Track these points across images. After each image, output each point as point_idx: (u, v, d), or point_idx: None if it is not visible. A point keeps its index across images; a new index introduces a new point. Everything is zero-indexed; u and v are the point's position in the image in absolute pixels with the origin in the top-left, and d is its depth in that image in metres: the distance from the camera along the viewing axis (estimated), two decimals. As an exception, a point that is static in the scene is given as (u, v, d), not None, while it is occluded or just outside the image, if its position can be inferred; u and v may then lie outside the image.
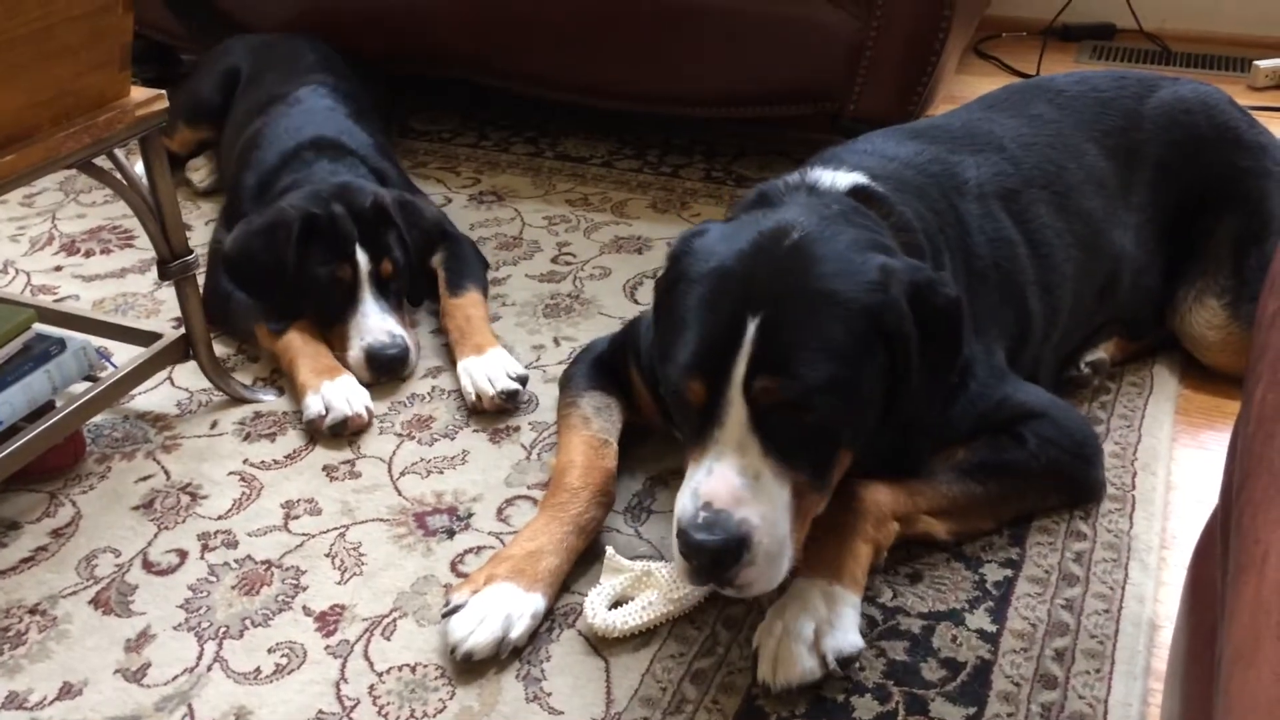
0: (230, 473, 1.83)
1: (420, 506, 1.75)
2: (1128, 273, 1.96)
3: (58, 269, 2.49)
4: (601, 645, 1.49)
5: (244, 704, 1.41)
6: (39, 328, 1.79)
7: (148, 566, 1.64)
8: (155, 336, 1.94)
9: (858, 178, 1.63)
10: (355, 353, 2.04)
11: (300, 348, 2.03)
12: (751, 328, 1.35)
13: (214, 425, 1.95)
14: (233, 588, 1.60)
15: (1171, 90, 2.03)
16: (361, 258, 2.07)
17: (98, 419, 1.94)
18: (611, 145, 3.08)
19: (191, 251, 1.88)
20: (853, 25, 2.56)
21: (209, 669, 1.46)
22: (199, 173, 2.83)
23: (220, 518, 1.74)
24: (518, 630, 1.46)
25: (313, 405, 1.91)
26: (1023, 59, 3.75)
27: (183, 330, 1.94)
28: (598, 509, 1.61)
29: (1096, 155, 1.94)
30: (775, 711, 1.38)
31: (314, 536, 1.69)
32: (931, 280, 1.44)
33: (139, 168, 1.80)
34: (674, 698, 1.41)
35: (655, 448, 1.85)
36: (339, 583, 1.60)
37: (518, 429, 1.93)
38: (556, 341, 2.18)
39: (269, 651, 1.49)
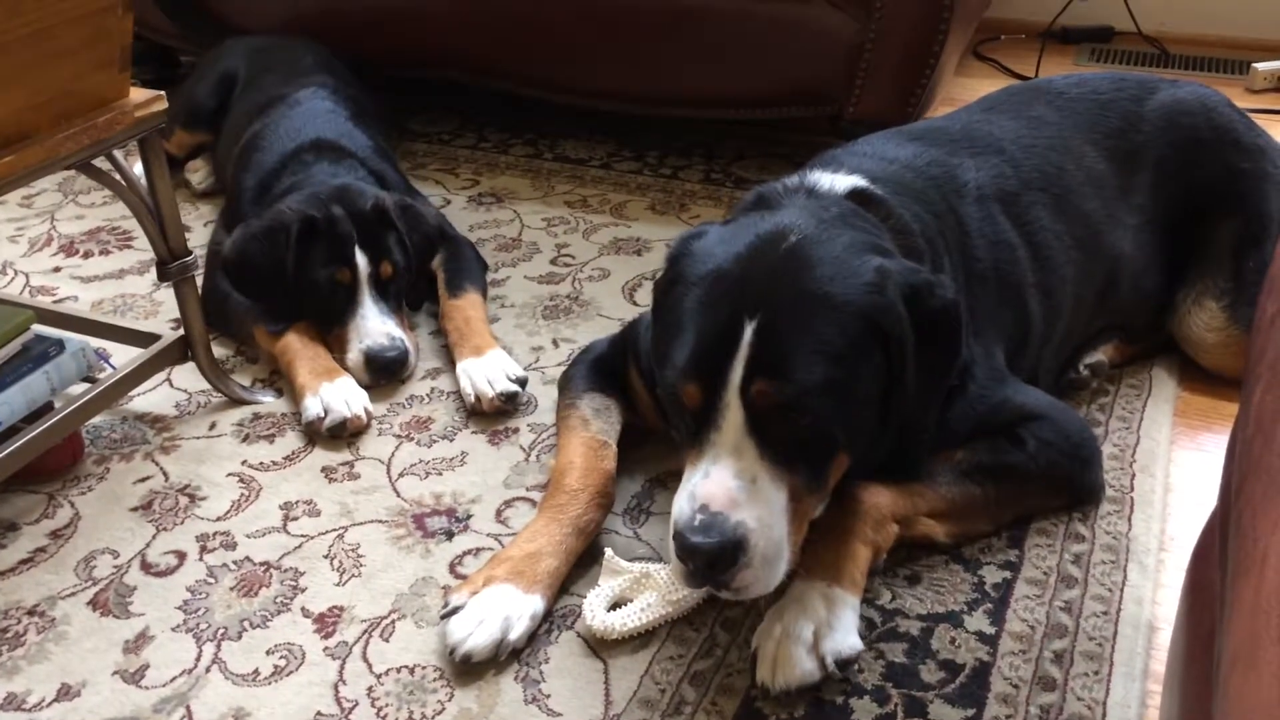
0: (229, 474, 1.83)
1: (419, 508, 1.75)
2: (1127, 274, 1.96)
3: (56, 270, 2.49)
4: (600, 647, 1.48)
5: (242, 705, 1.41)
6: (38, 329, 1.79)
7: (146, 568, 1.64)
8: (154, 338, 1.94)
9: (856, 181, 1.63)
10: (354, 355, 2.04)
11: (299, 349, 2.03)
12: (749, 331, 1.35)
13: (213, 426, 1.95)
14: (231, 589, 1.60)
15: (1170, 93, 2.03)
16: (361, 260, 2.07)
17: (96, 420, 1.94)
18: (611, 147, 3.08)
19: (190, 253, 1.88)
20: (852, 27, 2.56)
21: (207, 670, 1.46)
22: (197, 174, 2.83)
23: (219, 519, 1.73)
24: (516, 632, 1.46)
25: (311, 407, 1.91)
26: (1021, 61, 3.75)
27: (181, 331, 1.94)
28: (597, 510, 1.61)
29: (1095, 157, 1.94)
30: (774, 713, 1.38)
31: (312, 538, 1.69)
32: (929, 282, 1.44)
33: (138, 169, 1.80)
34: (672, 699, 1.41)
35: (654, 449, 1.84)
36: (338, 584, 1.60)
37: (517, 430, 1.93)
38: (555, 343, 2.18)
39: (267, 653, 1.49)
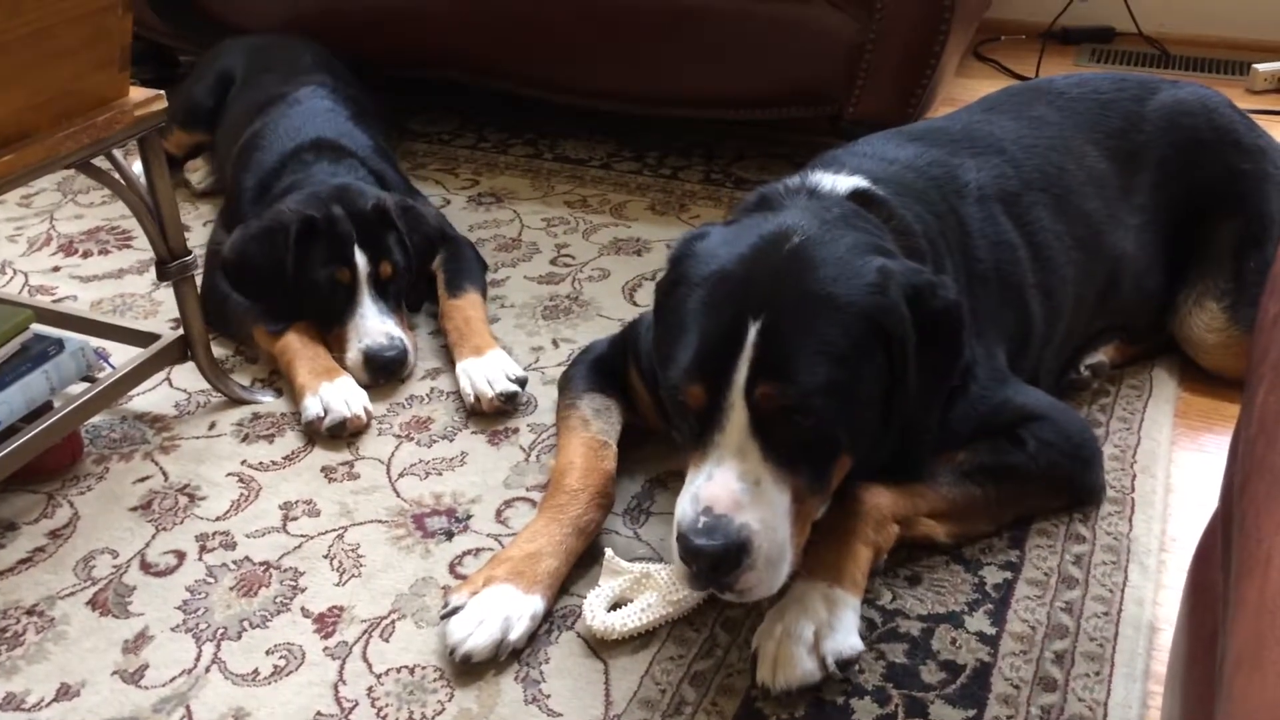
0: (228, 474, 1.83)
1: (419, 508, 1.75)
2: (1129, 275, 1.96)
3: (56, 269, 2.49)
4: (600, 647, 1.48)
5: (242, 705, 1.41)
6: (37, 328, 1.79)
7: (146, 567, 1.64)
8: (153, 337, 1.94)
9: (858, 181, 1.63)
10: (353, 354, 2.04)
11: (298, 349, 2.03)
12: (753, 332, 1.35)
13: (212, 426, 1.95)
14: (231, 589, 1.59)
15: (1171, 93, 2.03)
16: (360, 259, 2.07)
17: (96, 420, 1.94)
18: (611, 147, 3.08)
19: (190, 252, 1.88)
20: (853, 28, 2.56)
21: (207, 670, 1.46)
22: (197, 174, 2.83)
23: (218, 519, 1.73)
24: (516, 632, 1.45)
25: (311, 407, 1.91)
26: (1022, 62, 3.75)
27: (181, 331, 1.93)
28: (597, 511, 1.61)
29: (1097, 157, 1.94)
30: (774, 714, 1.38)
31: (312, 538, 1.69)
32: (931, 283, 1.44)
33: (137, 168, 1.80)
34: (673, 700, 1.40)
35: (654, 450, 1.84)
36: (337, 584, 1.60)
37: (516, 431, 1.92)
38: (555, 343, 2.18)
39: (267, 653, 1.48)
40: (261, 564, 1.64)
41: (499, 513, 1.73)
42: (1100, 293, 1.93)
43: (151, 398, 2.03)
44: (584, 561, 1.61)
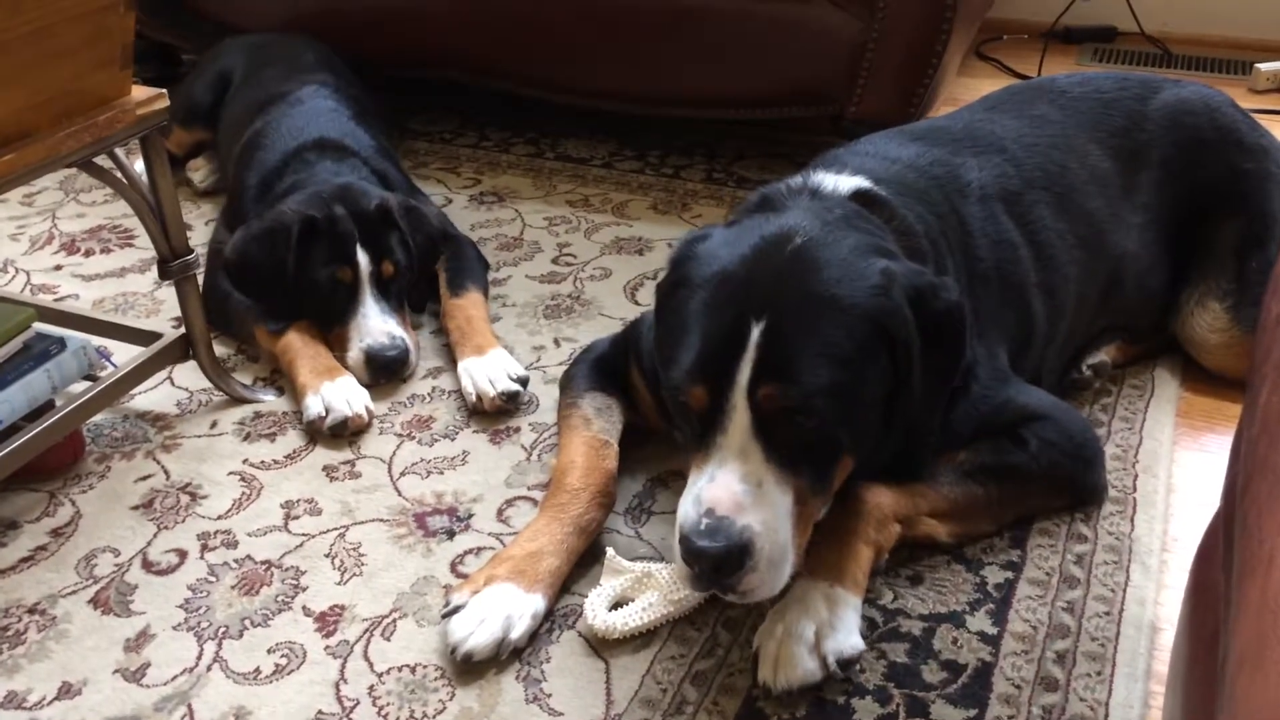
0: (230, 473, 1.83)
1: (420, 507, 1.75)
2: (1131, 274, 1.96)
3: (58, 268, 2.49)
4: (602, 646, 1.48)
5: (243, 704, 1.41)
6: (39, 327, 1.79)
7: (147, 566, 1.64)
8: (155, 336, 1.94)
9: (860, 182, 1.63)
10: (355, 354, 2.04)
11: (300, 349, 2.03)
12: (755, 333, 1.35)
13: (214, 425, 1.95)
14: (232, 588, 1.59)
15: (1174, 92, 2.03)
16: (362, 259, 2.07)
17: (97, 418, 1.94)
18: (612, 146, 3.08)
19: (192, 251, 1.88)
20: (854, 27, 2.56)
21: (208, 669, 1.46)
22: (199, 173, 2.83)
23: (220, 518, 1.73)
24: (517, 631, 1.45)
25: (313, 406, 1.91)
26: (1024, 61, 3.75)
27: (183, 330, 1.93)
28: (598, 510, 1.61)
29: (1099, 156, 1.94)
30: (776, 713, 1.38)
31: (314, 537, 1.69)
32: (934, 284, 1.44)
33: (139, 167, 1.80)
34: (674, 699, 1.40)
35: (656, 449, 1.84)
36: (339, 583, 1.60)
37: (518, 430, 1.92)
38: (557, 342, 2.18)
39: (268, 652, 1.48)
40: (263, 563, 1.64)
41: (500, 512, 1.73)
42: (1103, 291, 1.93)
43: (153, 396, 2.03)
44: (585, 561, 1.61)
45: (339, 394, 1.92)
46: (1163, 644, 1.49)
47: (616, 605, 1.51)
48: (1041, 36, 3.93)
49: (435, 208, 2.48)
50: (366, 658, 1.47)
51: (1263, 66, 3.53)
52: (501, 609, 1.46)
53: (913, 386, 1.41)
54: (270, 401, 2.01)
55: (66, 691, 1.43)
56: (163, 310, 2.31)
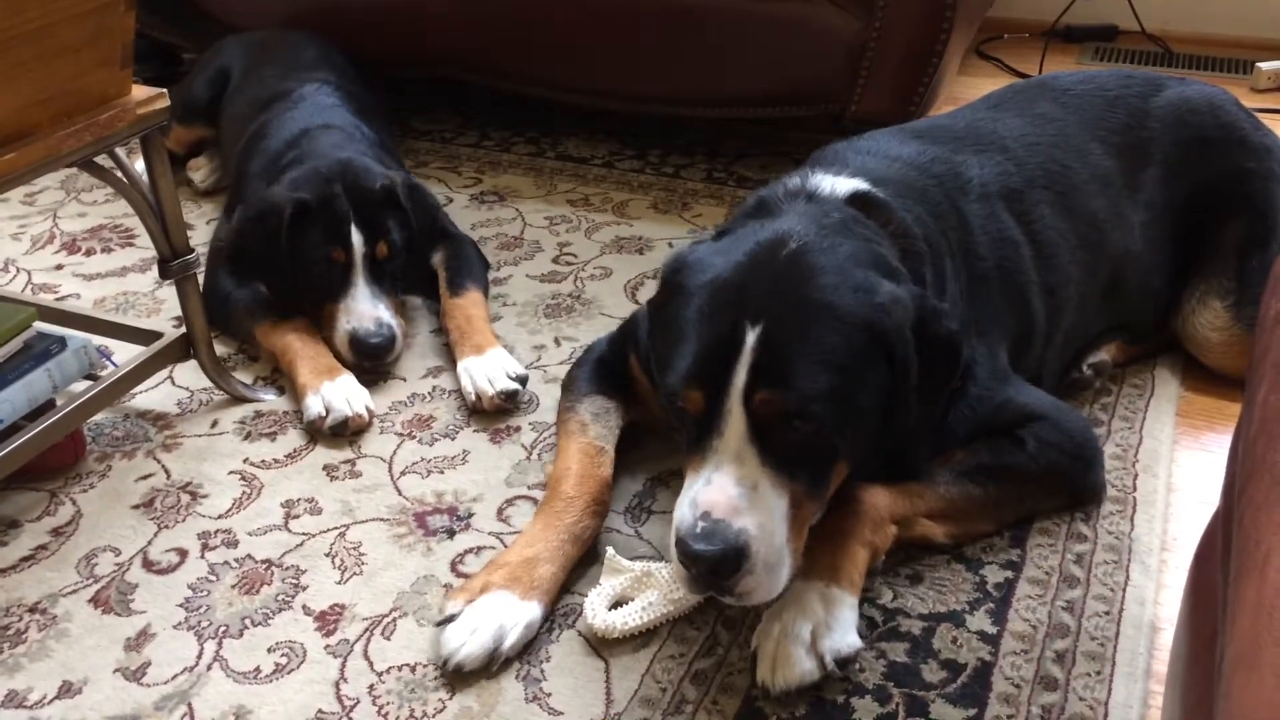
0: (230, 472, 1.83)
1: (420, 506, 1.75)
2: (1133, 273, 1.96)
3: (59, 267, 2.49)
4: (601, 646, 1.48)
5: (243, 703, 1.41)
6: (40, 326, 1.79)
7: (148, 565, 1.64)
8: (156, 335, 1.94)
9: (858, 184, 1.63)
10: (341, 335, 2.04)
11: (300, 348, 2.03)
12: (751, 338, 1.35)
13: (214, 424, 1.95)
14: (233, 587, 1.59)
15: (1178, 90, 2.03)
16: (356, 239, 2.06)
17: (98, 417, 1.94)
18: (613, 146, 3.08)
19: (192, 250, 1.88)
20: (854, 26, 2.56)
21: (209, 668, 1.46)
22: (200, 172, 2.83)
23: (220, 517, 1.73)
24: (509, 641, 1.45)
25: (313, 406, 1.91)
26: (1025, 60, 3.75)
27: (183, 329, 1.94)
28: (592, 518, 1.60)
29: (1101, 154, 1.93)
30: (775, 713, 1.38)
31: (314, 536, 1.69)
32: (936, 310, 1.45)
33: (140, 166, 1.80)
34: (674, 698, 1.41)
35: (656, 449, 1.84)
36: (339, 582, 1.60)
37: (518, 429, 1.92)
38: (557, 341, 2.18)
39: (269, 651, 1.49)
40: (263, 562, 1.64)
41: (500, 511, 1.73)
42: (1104, 292, 1.93)
43: (154, 396, 2.03)
44: (585, 560, 1.61)
45: (339, 393, 1.92)
46: (1162, 643, 1.49)
47: (616, 604, 1.51)
48: (1042, 35, 3.93)
49: (438, 205, 2.48)
50: (366, 657, 1.47)
51: (1264, 65, 3.53)
52: (495, 618, 1.45)
53: (906, 403, 1.41)
54: (271, 401, 2.01)
55: (67, 690, 1.44)
56: (163, 310, 2.31)
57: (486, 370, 1.98)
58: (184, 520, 1.73)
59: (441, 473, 1.82)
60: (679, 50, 2.75)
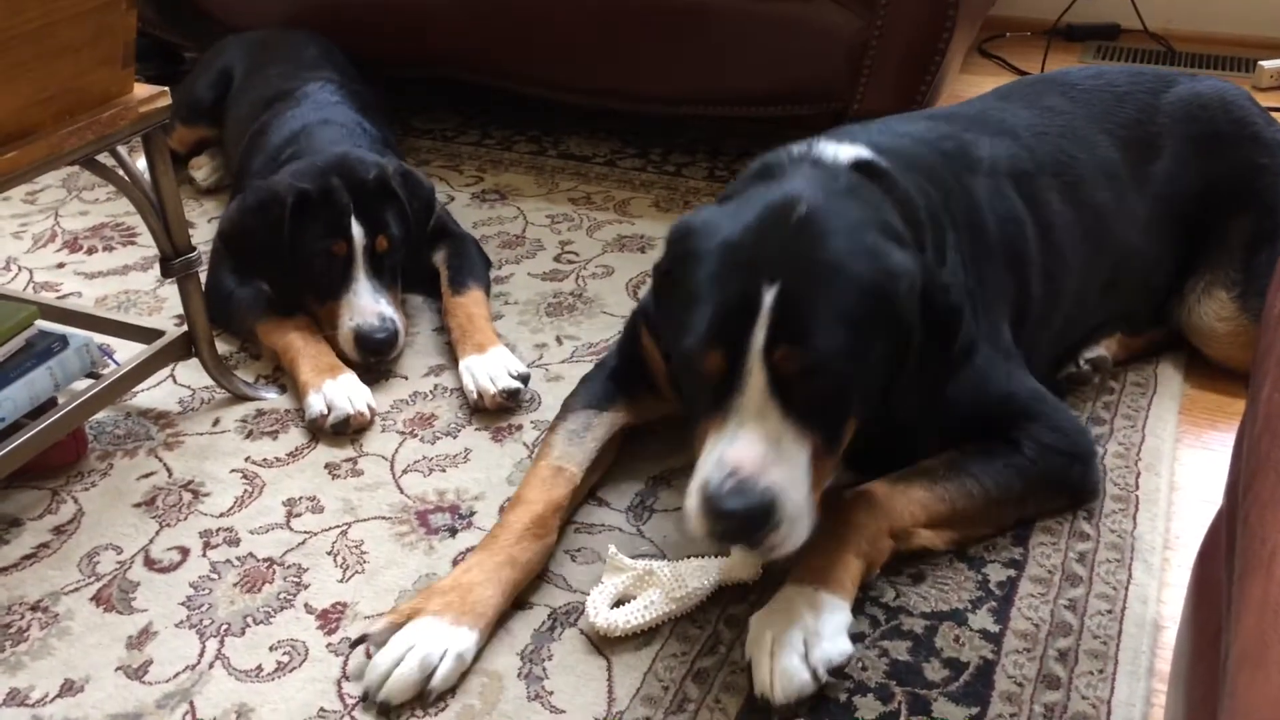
0: (232, 470, 1.83)
1: (422, 504, 1.75)
2: (1134, 269, 1.95)
3: (60, 266, 2.49)
4: (603, 644, 1.48)
5: (245, 701, 1.41)
6: (41, 324, 1.79)
7: (149, 564, 1.64)
8: (157, 334, 1.94)
9: (861, 151, 1.62)
10: (345, 332, 2.04)
11: (301, 347, 2.03)
12: (769, 297, 1.35)
13: (216, 422, 1.95)
14: (234, 585, 1.59)
15: (1189, 86, 2.02)
16: (357, 232, 2.06)
17: (100, 416, 1.94)
18: (615, 144, 3.08)
19: (194, 249, 1.88)
20: (856, 24, 2.55)
21: (210, 666, 1.46)
22: (201, 171, 2.83)
23: (222, 515, 1.73)
24: (441, 672, 1.39)
25: (315, 404, 1.91)
26: (1027, 59, 3.74)
27: (185, 327, 1.93)
28: (533, 540, 1.55)
29: (1109, 147, 1.93)
30: (778, 711, 1.38)
31: (316, 534, 1.69)
32: (945, 285, 1.45)
33: (141, 164, 1.80)
34: (676, 697, 1.40)
35: (658, 447, 1.84)
36: (341, 581, 1.60)
37: (520, 427, 1.92)
38: (559, 340, 2.18)
39: (270, 649, 1.49)
40: (265, 560, 1.64)
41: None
42: (1104, 286, 1.92)
43: (155, 394, 2.03)
44: (588, 558, 1.61)
45: (341, 392, 1.92)
46: (1165, 642, 1.48)
47: (618, 603, 1.51)
48: (1044, 34, 3.92)
49: (439, 203, 2.48)
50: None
51: (1266, 64, 3.53)
52: (422, 647, 1.39)
53: (908, 370, 1.42)
54: (272, 399, 2.01)
55: (69, 689, 1.44)
56: (165, 308, 2.31)
57: (488, 369, 1.97)
58: (186, 518, 1.73)
59: (443, 471, 1.82)
60: (680, 49, 2.75)
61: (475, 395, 1.96)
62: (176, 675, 1.45)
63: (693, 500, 1.37)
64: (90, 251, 2.55)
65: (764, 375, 1.35)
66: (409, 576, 1.60)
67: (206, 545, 1.67)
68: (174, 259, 1.86)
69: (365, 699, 1.39)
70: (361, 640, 1.43)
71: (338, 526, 1.70)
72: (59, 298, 2.34)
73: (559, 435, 1.73)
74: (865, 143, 1.66)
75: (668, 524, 1.69)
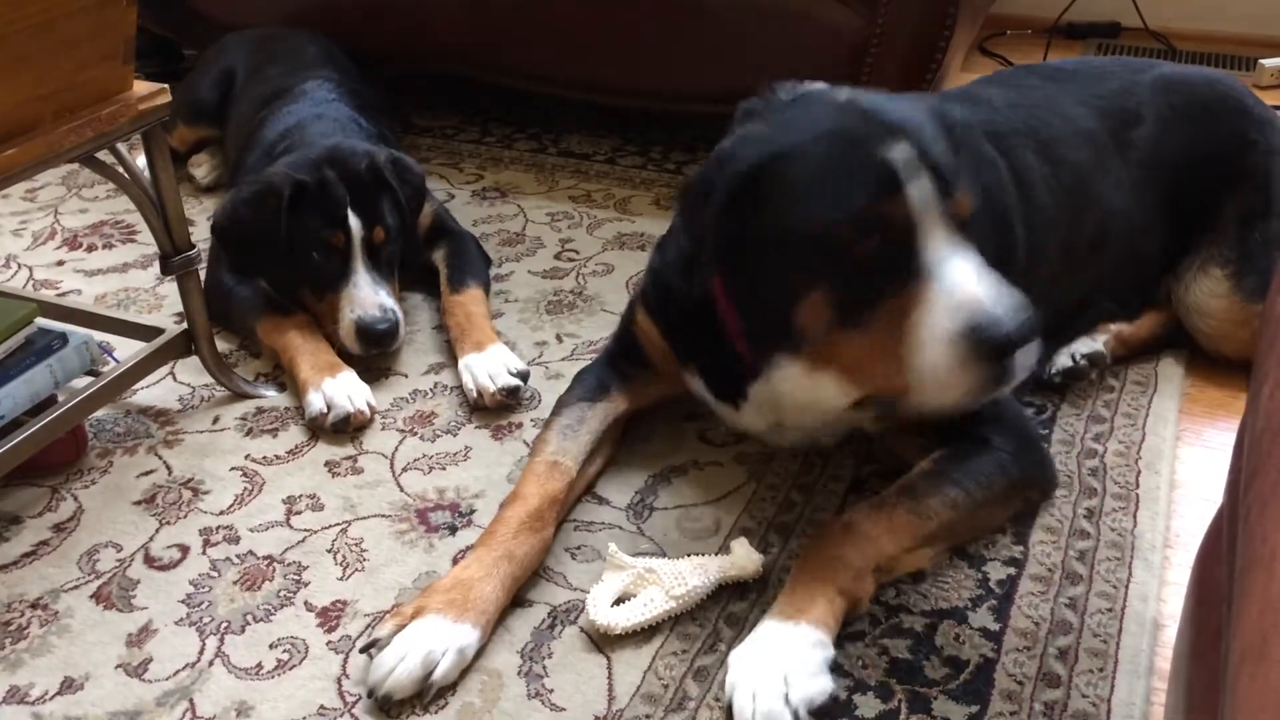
0: (232, 468, 1.83)
1: (422, 502, 1.75)
2: (1121, 231, 1.95)
3: (60, 263, 2.49)
4: (604, 642, 1.48)
5: (245, 699, 1.41)
6: (41, 322, 1.79)
7: (149, 561, 1.64)
8: (157, 331, 1.94)
9: (850, 92, 1.62)
10: (346, 325, 2.04)
11: (301, 345, 2.03)
12: (910, 150, 1.38)
13: (216, 420, 1.95)
14: (234, 583, 1.59)
15: (1174, 66, 2.08)
16: (354, 224, 2.06)
17: (100, 414, 1.94)
18: (615, 142, 3.08)
19: (194, 246, 1.88)
20: (857, 23, 2.55)
21: (210, 664, 1.46)
22: (202, 168, 2.83)
23: (222, 513, 1.73)
24: (442, 668, 1.39)
25: (315, 403, 1.91)
26: (1028, 57, 3.74)
27: (185, 325, 1.93)
28: (530, 534, 1.55)
29: (1087, 117, 1.95)
30: (777, 709, 1.38)
31: (316, 532, 1.69)
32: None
33: (141, 162, 1.80)
34: (676, 695, 1.40)
35: (658, 446, 1.84)
36: (341, 578, 1.60)
37: (520, 425, 1.92)
38: (559, 338, 2.18)
39: (270, 647, 1.48)
40: (265, 558, 1.64)
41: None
42: (1090, 244, 1.92)
43: (155, 392, 2.03)
44: (588, 556, 1.61)
45: (341, 390, 1.92)
46: (1165, 640, 1.48)
47: (619, 601, 1.51)
48: (1045, 32, 3.92)
49: (438, 200, 2.48)
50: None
51: (1267, 62, 3.53)
52: (425, 644, 1.39)
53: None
54: (272, 397, 2.01)
55: (68, 686, 1.43)
56: (165, 306, 2.31)
57: (488, 367, 1.97)
58: (185, 516, 1.73)
59: (443, 469, 1.82)
60: (681, 46, 2.74)
61: (475, 393, 1.95)
62: (176, 673, 1.45)
63: (953, 348, 1.34)
64: (90, 249, 2.55)
65: (944, 223, 1.38)
66: (409, 574, 1.60)
67: (206, 543, 1.67)
68: (174, 256, 1.85)
69: (370, 695, 1.39)
70: (372, 645, 1.42)
71: (338, 524, 1.70)
72: (58, 295, 2.34)
73: (553, 431, 1.73)
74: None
75: (668, 522, 1.69)
